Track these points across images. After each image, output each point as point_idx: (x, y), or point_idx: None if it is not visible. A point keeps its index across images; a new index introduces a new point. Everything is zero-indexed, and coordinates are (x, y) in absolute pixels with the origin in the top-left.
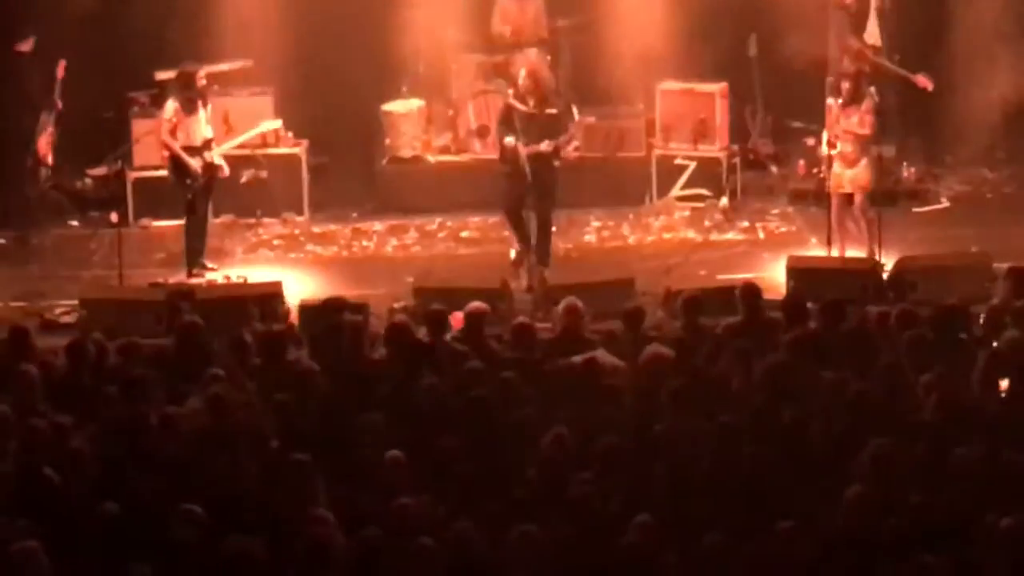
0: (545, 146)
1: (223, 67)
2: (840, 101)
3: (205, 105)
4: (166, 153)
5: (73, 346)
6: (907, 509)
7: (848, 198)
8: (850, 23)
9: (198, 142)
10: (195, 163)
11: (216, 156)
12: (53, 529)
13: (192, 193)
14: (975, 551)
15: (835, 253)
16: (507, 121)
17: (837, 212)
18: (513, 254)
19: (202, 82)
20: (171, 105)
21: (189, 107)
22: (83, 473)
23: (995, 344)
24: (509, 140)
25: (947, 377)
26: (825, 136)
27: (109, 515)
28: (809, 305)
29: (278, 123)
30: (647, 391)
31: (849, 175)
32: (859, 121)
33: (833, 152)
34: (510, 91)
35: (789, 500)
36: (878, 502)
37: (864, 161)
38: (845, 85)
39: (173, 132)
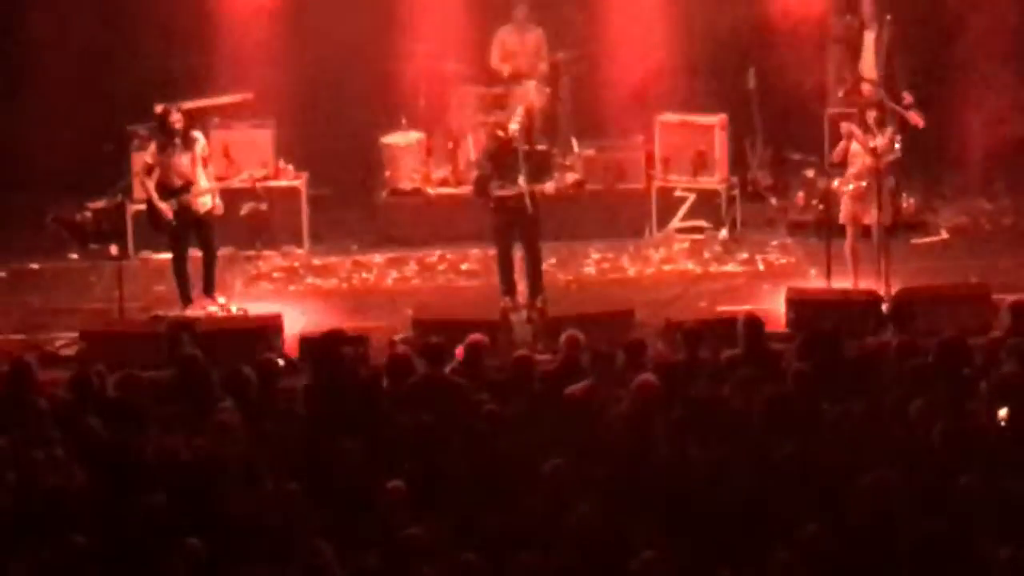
0: (550, 188)
1: (223, 100)
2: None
3: (188, 145)
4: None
5: (77, 379)
6: (910, 538)
7: (865, 230)
8: (846, 57)
9: (176, 183)
10: (170, 204)
11: (207, 198)
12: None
13: (169, 233)
14: None
15: (847, 284)
16: (492, 154)
17: (852, 244)
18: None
19: (177, 122)
20: (152, 146)
21: (166, 147)
22: (80, 505)
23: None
24: (497, 188)
25: (948, 406)
26: (851, 171)
27: (101, 548)
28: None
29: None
30: (642, 420)
31: (868, 209)
32: (886, 146)
33: (850, 186)
34: (513, 126)
35: (788, 530)
36: (880, 530)
37: (882, 192)
38: (872, 113)
39: (148, 173)
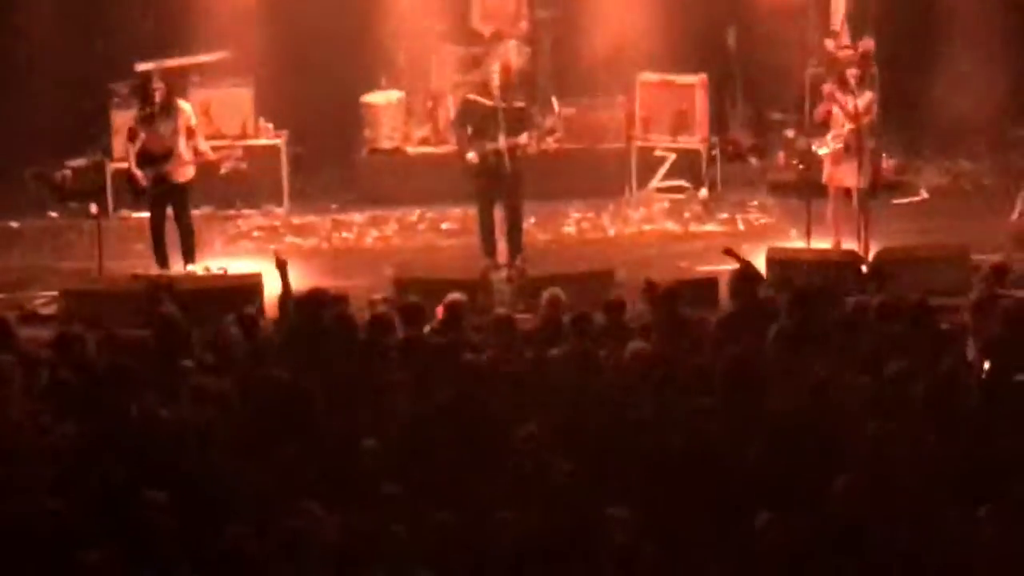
0: (524, 139)
1: (202, 58)
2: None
3: (170, 114)
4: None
5: (61, 339)
6: (900, 497)
7: (845, 192)
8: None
9: (157, 152)
10: (147, 173)
11: (188, 169)
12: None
13: (147, 199)
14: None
15: (828, 244)
16: (465, 117)
17: (834, 206)
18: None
19: (159, 91)
20: (134, 112)
21: (148, 116)
22: (60, 464)
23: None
24: (471, 156)
25: (928, 365)
26: (830, 134)
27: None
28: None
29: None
30: (629, 381)
31: (848, 170)
32: (865, 107)
33: (825, 150)
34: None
35: (773, 492)
36: (868, 491)
37: (862, 154)
38: (852, 72)
39: (132, 139)
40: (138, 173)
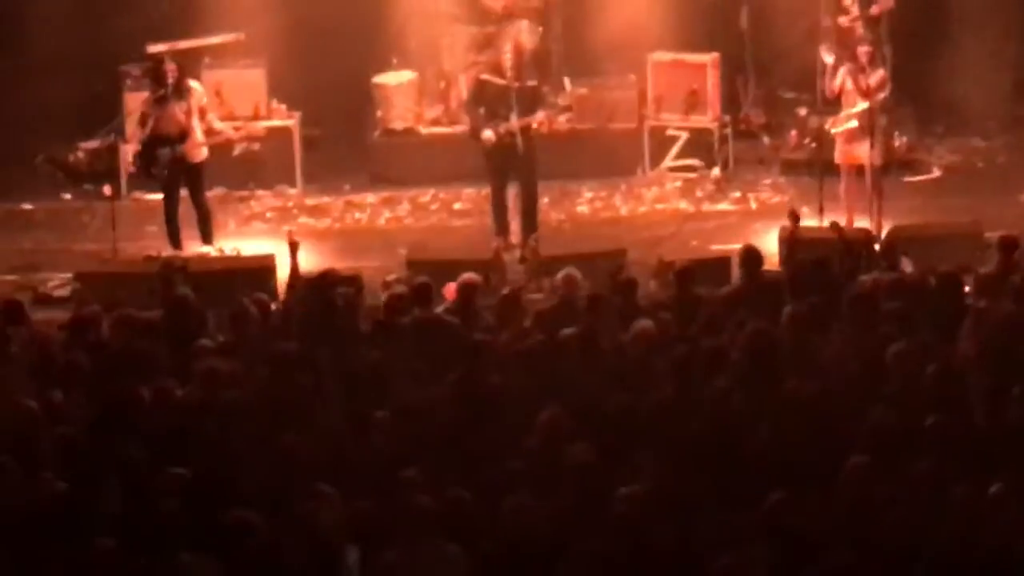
0: (537, 119)
1: (214, 40)
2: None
3: (183, 95)
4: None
5: (75, 321)
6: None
7: (858, 170)
8: None
9: (172, 133)
10: (162, 153)
11: (202, 150)
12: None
13: (161, 181)
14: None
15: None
16: (477, 97)
17: (846, 184)
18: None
19: (171, 72)
20: (146, 95)
21: (161, 97)
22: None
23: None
24: (488, 134)
25: (940, 345)
26: (843, 112)
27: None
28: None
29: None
30: (640, 362)
31: (861, 148)
32: (878, 85)
33: (838, 128)
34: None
35: (787, 471)
36: (878, 470)
37: (875, 132)
38: (863, 50)
39: (143, 123)
40: (132, 150)
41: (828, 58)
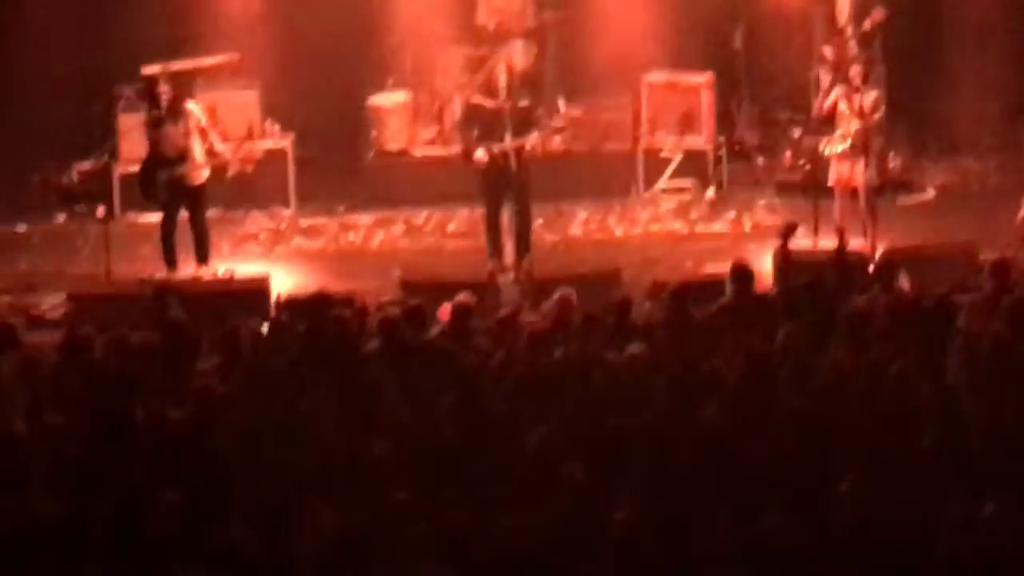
0: (531, 140)
1: (208, 61)
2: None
3: (177, 116)
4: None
5: (68, 343)
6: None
7: (852, 192)
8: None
9: (170, 154)
10: (161, 175)
11: (203, 171)
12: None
13: (160, 203)
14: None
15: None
16: (470, 119)
17: (840, 205)
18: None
19: (165, 94)
20: (143, 117)
21: (156, 119)
22: (68, 468)
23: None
24: (480, 154)
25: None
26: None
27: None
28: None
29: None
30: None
31: (855, 169)
32: (872, 106)
33: (832, 149)
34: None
35: (782, 492)
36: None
37: (869, 153)
38: (857, 69)
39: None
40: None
41: (825, 78)
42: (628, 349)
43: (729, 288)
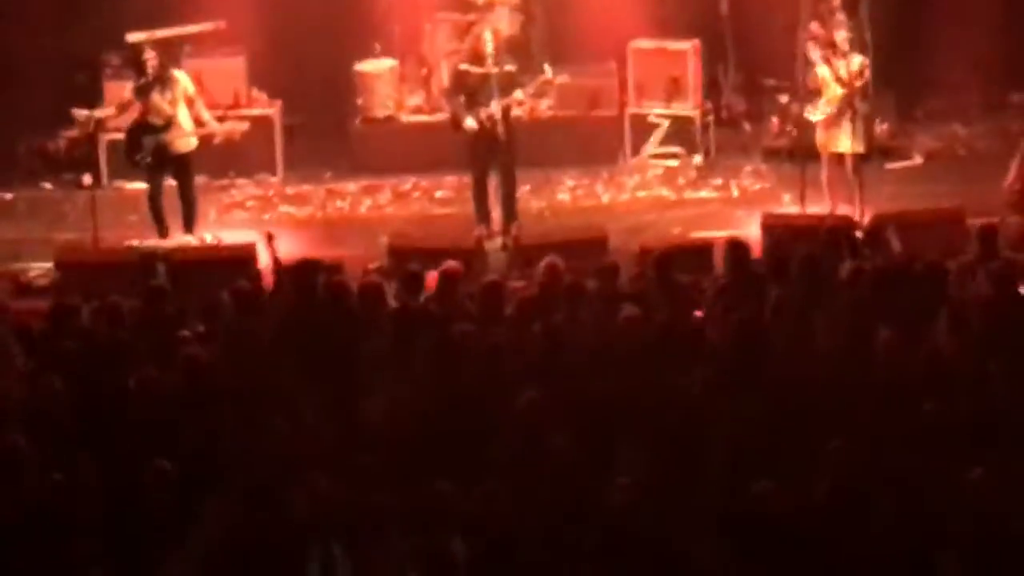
0: (517, 97)
1: (195, 28)
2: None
3: (164, 83)
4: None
5: (56, 310)
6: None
7: (839, 158)
8: None
9: (157, 122)
10: (147, 142)
11: (189, 139)
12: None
13: (145, 169)
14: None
15: (822, 210)
16: (457, 86)
17: (828, 171)
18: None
19: (151, 60)
20: (128, 84)
21: (143, 86)
22: (60, 437)
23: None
24: (471, 123)
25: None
26: (822, 100)
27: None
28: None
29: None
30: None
31: (842, 134)
32: (857, 72)
33: (817, 115)
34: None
35: (769, 460)
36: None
37: (855, 119)
38: (842, 35)
39: (123, 110)
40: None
41: (815, 54)
42: (622, 311)
43: (723, 264)
